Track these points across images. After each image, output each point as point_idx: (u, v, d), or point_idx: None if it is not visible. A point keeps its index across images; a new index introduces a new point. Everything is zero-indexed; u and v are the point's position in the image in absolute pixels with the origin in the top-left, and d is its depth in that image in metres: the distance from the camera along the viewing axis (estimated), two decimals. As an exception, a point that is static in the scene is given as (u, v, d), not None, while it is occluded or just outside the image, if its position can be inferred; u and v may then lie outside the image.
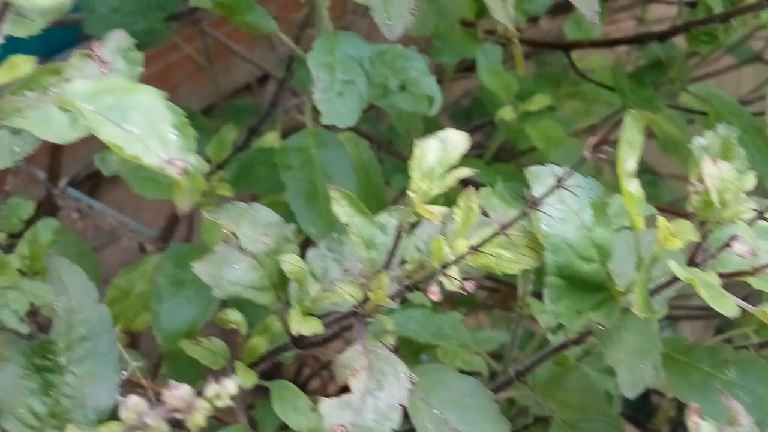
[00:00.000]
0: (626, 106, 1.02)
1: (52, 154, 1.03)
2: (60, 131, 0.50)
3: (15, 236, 1.01)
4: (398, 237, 0.57)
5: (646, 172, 1.58)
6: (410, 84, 0.89)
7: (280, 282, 0.60)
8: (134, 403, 0.39)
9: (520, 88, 1.12)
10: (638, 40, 1.06)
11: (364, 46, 0.83)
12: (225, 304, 0.99)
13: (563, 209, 0.58)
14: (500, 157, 1.26)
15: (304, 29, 1.03)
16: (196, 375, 1.05)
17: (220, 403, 0.38)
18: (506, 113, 1.09)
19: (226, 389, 0.38)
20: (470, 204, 0.57)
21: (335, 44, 0.83)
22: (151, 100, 0.47)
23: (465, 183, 1.08)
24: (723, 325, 1.18)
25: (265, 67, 1.35)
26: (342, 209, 0.58)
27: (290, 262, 0.59)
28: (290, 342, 0.62)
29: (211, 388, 0.38)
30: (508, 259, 0.57)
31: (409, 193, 0.55)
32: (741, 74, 1.53)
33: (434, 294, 0.55)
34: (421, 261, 0.58)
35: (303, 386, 0.62)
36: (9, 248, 0.96)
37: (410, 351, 0.93)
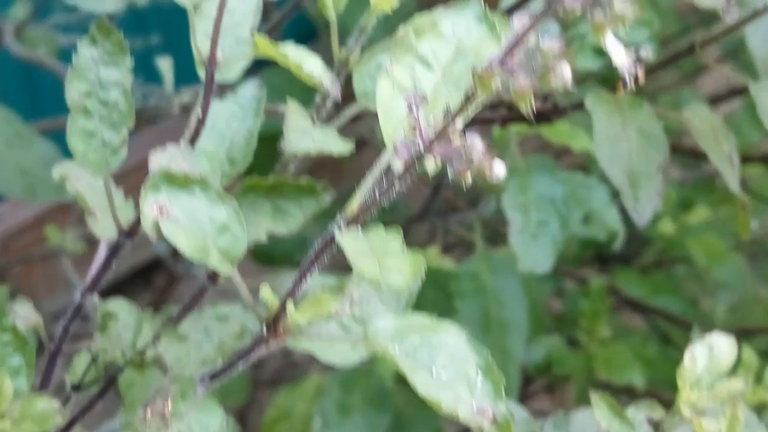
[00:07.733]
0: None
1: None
2: (343, 355, 0.49)
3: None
4: (658, 443, 0.55)
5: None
6: (593, 215, 0.87)
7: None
8: None
9: (677, 195, 1.10)
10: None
11: (555, 183, 0.81)
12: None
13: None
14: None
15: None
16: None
17: None
18: (666, 226, 1.06)
19: None
20: (736, 414, 0.54)
21: (528, 182, 0.80)
22: (456, 340, 0.45)
23: (625, 301, 1.05)
24: None
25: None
26: (602, 413, 0.56)
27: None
28: None
29: None
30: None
31: (681, 406, 0.53)
32: None
33: None
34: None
35: None
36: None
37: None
